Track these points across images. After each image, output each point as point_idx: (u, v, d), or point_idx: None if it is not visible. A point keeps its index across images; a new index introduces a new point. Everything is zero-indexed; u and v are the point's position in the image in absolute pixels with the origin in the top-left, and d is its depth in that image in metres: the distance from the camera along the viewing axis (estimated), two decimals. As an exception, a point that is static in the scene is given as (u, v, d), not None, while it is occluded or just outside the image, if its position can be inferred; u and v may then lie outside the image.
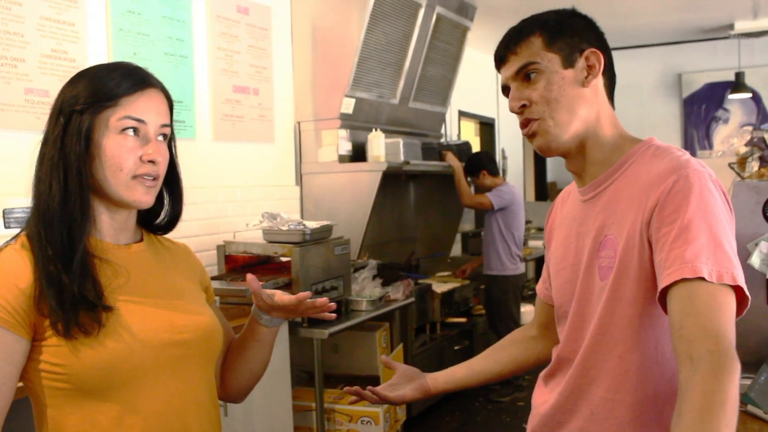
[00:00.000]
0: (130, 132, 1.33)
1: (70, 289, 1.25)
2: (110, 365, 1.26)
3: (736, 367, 1.12)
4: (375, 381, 4.01)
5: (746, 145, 4.16)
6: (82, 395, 1.27)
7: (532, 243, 6.81)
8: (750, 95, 8.43)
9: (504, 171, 8.30)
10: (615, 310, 1.36)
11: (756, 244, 1.88)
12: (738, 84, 8.04)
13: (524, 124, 1.44)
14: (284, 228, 3.63)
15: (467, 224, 6.76)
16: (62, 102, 1.34)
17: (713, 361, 1.12)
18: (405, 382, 1.77)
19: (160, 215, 1.50)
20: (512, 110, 1.45)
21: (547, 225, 1.67)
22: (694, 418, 1.09)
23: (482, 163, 5.54)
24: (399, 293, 4.35)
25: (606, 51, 1.45)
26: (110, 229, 1.39)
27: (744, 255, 1.62)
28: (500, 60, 1.47)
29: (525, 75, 1.42)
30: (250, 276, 1.48)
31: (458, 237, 6.48)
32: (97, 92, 1.32)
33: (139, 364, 1.29)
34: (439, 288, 5.28)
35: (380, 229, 5.18)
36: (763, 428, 1.67)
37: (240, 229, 3.99)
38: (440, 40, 5.35)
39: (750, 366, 1.79)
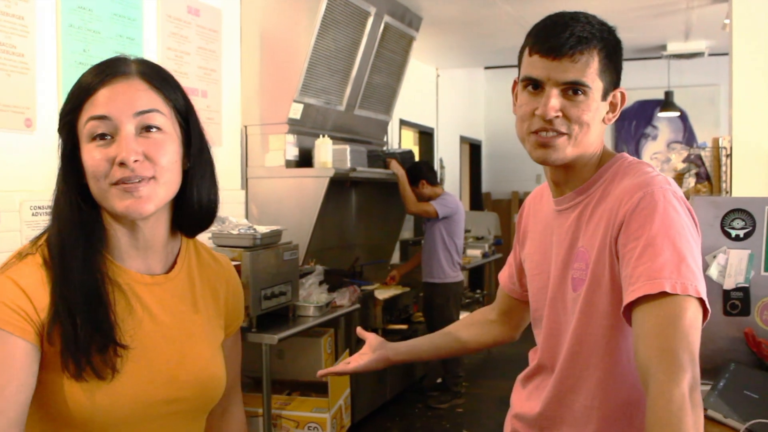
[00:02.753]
0: (98, 135, 1.18)
1: (84, 328, 1.16)
2: (93, 411, 1.17)
3: (687, 377, 1.15)
4: (322, 387, 4.01)
5: (683, 161, 4.33)
6: (58, 427, 1.20)
7: (470, 252, 6.91)
8: (678, 114, 8.77)
9: (441, 180, 8.40)
10: (589, 321, 1.40)
11: (714, 257, 1.96)
12: (667, 102, 8.35)
13: (543, 130, 1.39)
14: (234, 232, 3.60)
15: (406, 232, 6.81)
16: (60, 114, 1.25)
17: (668, 375, 1.16)
18: (370, 352, 1.78)
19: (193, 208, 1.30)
20: (549, 116, 1.38)
21: (520, 225, 1.71)
22: (660, 430, 1.13)
23: (422, 173, 5.60)
24: (345, 299, 4.36)
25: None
26: (133, 251, 1.26)
27: (703, 266, 1.68)
28: (554, 53, 1.37)
29: (573, 89, 1.37)
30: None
31: (397, 244, 6.52)
32: (68, 102, 1.22)
33: (123, 417, 1.20)
34: (382, 295, 5.30)
35: (323, 235, 5.18)
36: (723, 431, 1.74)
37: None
38: (387, 49, 5.39)
39: (708, 372, 1.87)
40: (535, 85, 1.40)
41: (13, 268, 1.19)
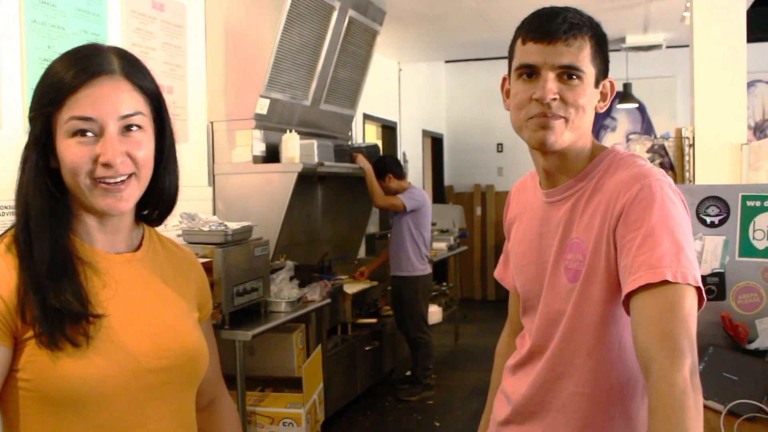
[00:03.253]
0: (80, 133, 1.19)
1: (54, 297, 1.17)
2: (83, 384, 1.18)
3: (687, 362, 1.19)
4: (295, 382, 4.00)
5: (647, 152, 4.41)
6: (53, 408, 1.19)
7: (435, 245, 6.93)
8: (636, 105, 8.91)
9: (405, 174, 8.42)
10: (583, 310, 1.43)
11: (690, 242, 2.00)
12: (626, 94, 8.47)
13: (542, 115, 1.41)
14: (205, 229, 3.57)
15: (372, 226, 6.82)
16: (31, 103, 1.24)
17: (669, 361, 1.19)
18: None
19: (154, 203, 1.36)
20: (543, 98, 1.39)
21: (507, 217, 1.72)
22: (661, 416, 1.16)
23: (388, 166, 5.61)
24: (316, 294, 4.35)
25: None
26: (100, 235, 1.29)
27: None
28: (549, 37, 1.39)
29: (567, 74, 1.40)
30: None
31: (363, 239, 6.52)
32: (43, 93, 1.21)
33: (112, 387, 1.21)
34: (350, 289, 5.30)
35: (290, 231, 5.16)
36: (705, 414, 1.78)
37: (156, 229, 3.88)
38: (351, 44, 5.38)
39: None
40: (530, 73, 1.42)
41: None
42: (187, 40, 4.32)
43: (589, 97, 1.42)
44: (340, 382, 5.00)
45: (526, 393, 1.54)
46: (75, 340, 1.17)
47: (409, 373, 5.87)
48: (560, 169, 1.51)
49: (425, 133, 9.49)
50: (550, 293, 1.50)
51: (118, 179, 1.21)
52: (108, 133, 1.20)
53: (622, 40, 7.61)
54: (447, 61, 9.72)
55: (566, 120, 1.42)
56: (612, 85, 1.49)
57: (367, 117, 7.39)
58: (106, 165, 1.19)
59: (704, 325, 2.01)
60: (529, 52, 1.41)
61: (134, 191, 1.25)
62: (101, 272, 1.25)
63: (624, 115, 9.30)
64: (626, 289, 1.29)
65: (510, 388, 1.61)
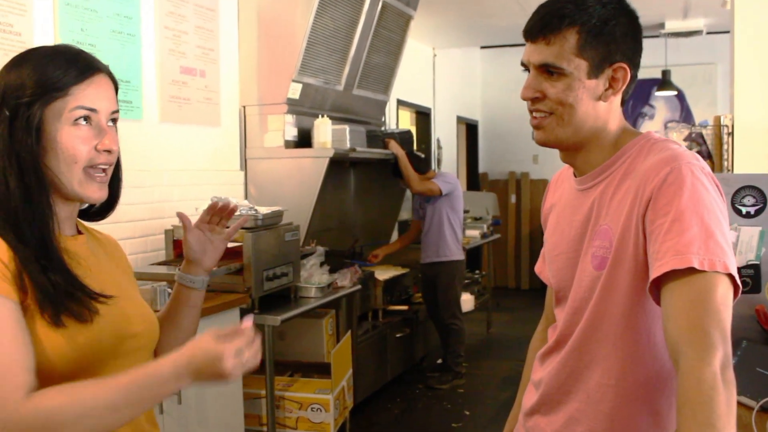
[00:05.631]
0: (83, 122, 1.29)
1: (56, 284, 1.23)
2: (78, 355, 1.23)
3: (718, 355, 1.14)
4: (324, 368, 4.00)
5: (685, 140, 4.31)
6: (45, 382, 1.20)
7: (469, 232, 6.89)
8: (675, 93, 8.74)
9: (439, 161, 8.37)
10: (609, 299, 1.39)
11: (725, 233, 1.95)
12: (664, 81, 8.32)
13: (532, 111, 1.43)
14: (236, 213, 3.56)
15: (405, 212, 6.79)
16: (4, 91, 1.27)
17: (698, 354, 1.15)
18: None
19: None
20: (524, 98, 1.42)
21: (544, 208, 1.69)
22: (687, 413, 1.12)
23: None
24: (346, 280, 4.34)
25: (636, 61, 1.42)
26: (63, 220, 1.35)
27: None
28: (530, 36, 1.41)
29: (548, 71, 1.39)
30: (180, 213, 1.58)
31: (396, 225, 6.50)
32: (44, 82, 1.26)
33: (105, 354, 1.28)
34: (382, 275, 5.29)
35: (322, 216, 5.15)
36: (737, 410, 1.73)
37: (186, 213, 3.89)
38: (385, 29, 5.34)
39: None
40: (527, 70, 1.44)
41: None
42: (219, 24, 4.32)
43: (577, 91, 1.38)
44: (370, 369, 4.99)
45: (552, 380, 1.51)
46: (82, 316, 1.25)
47: (440, 361, 5.84)
48: (578, 161, 1.48)
49: (460, 119, 9.42)
50: (579, 281, 1.46)
51: (107, 166, 1.33)
52: (105, 124, 1.31)
53: (661, 26, 7.46)
54: (482, 47, 9.62)
55: (556, 116, 1.40)
56: (625, 70, 1.40)
57: (400, 103, 7.35)
58: (108, 151, 1.31)
59: (738, 318, 1.95)
60: (525, 50, 1.43)
61: (107, 183, 1.36)
62: (71, 253, 1.32)
63: (662, 103, 9.14)
64: (652, 275, 1.25)
65: (538, 376, 1.58)
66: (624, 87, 1.42)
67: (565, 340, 1.49)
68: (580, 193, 1.50)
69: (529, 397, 1.62)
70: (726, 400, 1.12)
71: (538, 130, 1.43)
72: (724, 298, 1.21)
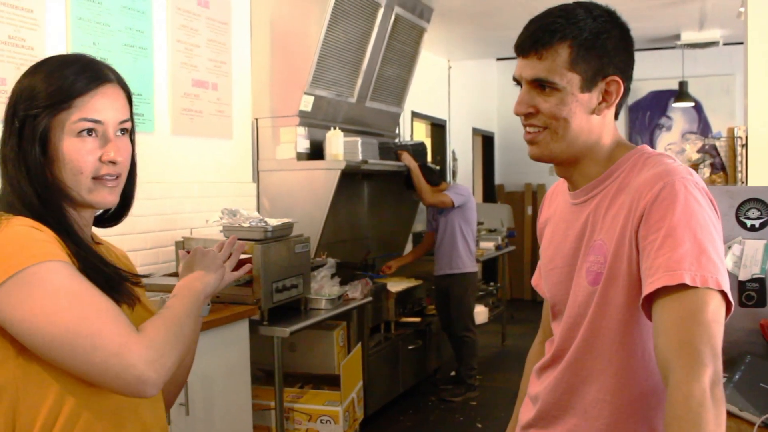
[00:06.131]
0: (87, 134, 1.29)
1: (108, 273, 1.31)
2: None
3: (707, 372, 1.14)
4: (335, 380, 4.00)
5: (698, 152, 4.28)
6: (61, 396, 1.23)
7: (483, 244, 6.87)
8: (692, 104, 8.69)
9: (454, 172, 8.37)
10: (605, 314, 1.38)
11: (729, 247, 1.93)
12: (681, 93, 8.27)
13: (525, 125, 1.43)
14: (245, 225, 3.58)
15: (419, 224, 6.79)
16: (16, 100, 1.30)
17: (687, 370, 1.14)
18: None
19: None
20: (517, 113, 1.42)
21: (539, 221, 1.68)
22: (676, 429, 1.11)
23: (424, 178, 5.47)
24: (357, 292, 4.34)
25: (629, 74, 1.42)
26: (82, 229, 1.37)
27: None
28: (521, 52, 1.41)
29: (540, 85, 1.39)
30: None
31: (410, 237, 6.49)
32: (51, 93, 1.28)
33: None
34: (394, 287, 5.28)
35: (335, 228, 5.16)
36: (739, 425, 1.71)
37: (197, 225, 3.92)
38: (398, 41, 5.36)
39: (724, 365, 1.84)
40: (518, 83, 1.44)
41: (14, 220, 1.24)
42: (231, 37, 4.35)
43: (571, 105, 1.37)
44: (382, 381, 4.98)
45: (549, 396, 1.50)
46: (131, 300, 1.34)
47: (453, 373, 5.82)
48: (572, 175, 1.48)
49: (475, 131, 9.41)
50: (574, 296, 1.46)
51: (114, 176, 1.34)
52: (111, 135, 1.32)
53: (677, 37, 7.42)
54: (498, 59, 9.61)
55: (550, 131, 1.39)
56: (618, 83, 1.39)
57: (415, 115, 7.36)
58: (112, 162, 1.31)
59: (743, 332, 1.93)
60: (516, 65, 1.43)
61: (120, 188, 1.37)
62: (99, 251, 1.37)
63: (680, 114, 9.09)
64: (644, 291, 1.24)
65: (534, 390, 1.57)
66: (617, 100, 1.41)
67: (562, 355, 1.48)
68: (575, 207, 1.49)
69: (525, 411, 1.60)
70: (715, 418, 1.10)
71: (532, 145, 1.43)
72: (716, 314, 1.20)
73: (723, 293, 1.21)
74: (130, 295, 1.33)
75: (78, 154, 1.28)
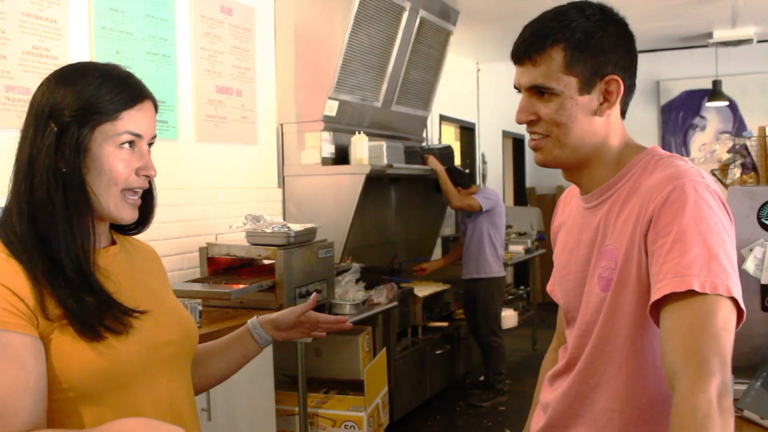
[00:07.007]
0: (127, 145, 1.32)
1: (87, 305, 1.25)
2: (110, 368, 1.24)
3: (715, 382, 1.10)
4: (358, 385, 3.99)
5: (728, 152, 4.19)
6: (78, 401, 1.23)
7: (512, 248, 6.81)
8: (727, 103, 8.53)
9: (484, 176, 8.31)
10: (615, 321, 1.35)
11: (750, 250, 1.88)
12: (715, 92, 8.13)
13: (529, 133, 1.42)
14: (268, 230, 3.59)
15: (447, 228, 6.76)
16: (51, 106, 1.27)
17: (694, 380, 1.11)
18: None
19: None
20: (519, 122, 1.42)
21: (553, 226, 1.66)
22: None
23: (453, 180, 5.43)
24: (382, 297, 4.33)
25: (630, 70, 1.39)
26: (99, 236, 1.37)
27: (739, 260, 1.61)
28: (516, 59, 1.40)
29: (538, 91, 1.37)
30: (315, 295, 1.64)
31: (438, 241, 6.46)
32: (94, 104, 1.28)
33: (138, 365, 1.29)
34: (421, 292, 5.25)
35: (362, 233, 5.16)
36: (759, 433, 1.67)
37: (222, 231, 3.94)
38: (423, 44, 5.34)
39: (745, 371, 1.79)
40: (520, 91, 1.42)
41: None
42: (255, 43, 4.37)
43: (570, 109, 1.35)
44: (408, 386, 4.96)
45: (559, 404, 1.47)
46: (116, 329, 1.26)
47: (482, 378, 5.78)
48: (581, 180, 1.46)
49: (505, 134, 9.35)
50: (587, 302, 1.43)
51: (141, 191, 1.37)
52: (145, 149, 1.35)
53: (709, 35, 7.30)
54: (528, 61, 9.54)
55: (552, 137, 1.38)
56: (617, 82, 1.36)
57: (443, 118, 7.33)
58: (146, 176, 1.35)
59: (765, 338, 1.88)
60: (515, 73, 1.42)
61: (139, 203, 1.39)
62: (100, 267, 1.33)
63: (714, 114, 8.93)
64: (652, 298, 1.21)
65: (546, 399, 1.54)
66: (619, 99, 1.38)
67: (574, 363, 1.45)
68: (587, 211, 1.46)
69: (536, 419, 1.58)
70: (721, 429, 1.07)
71: (537, 152, 1.42)
72: (726, 322, 1.16)
73: (734, 300, 1.18)
74: (115, 325, 1.26)
75: (117, 165, 1.31)
